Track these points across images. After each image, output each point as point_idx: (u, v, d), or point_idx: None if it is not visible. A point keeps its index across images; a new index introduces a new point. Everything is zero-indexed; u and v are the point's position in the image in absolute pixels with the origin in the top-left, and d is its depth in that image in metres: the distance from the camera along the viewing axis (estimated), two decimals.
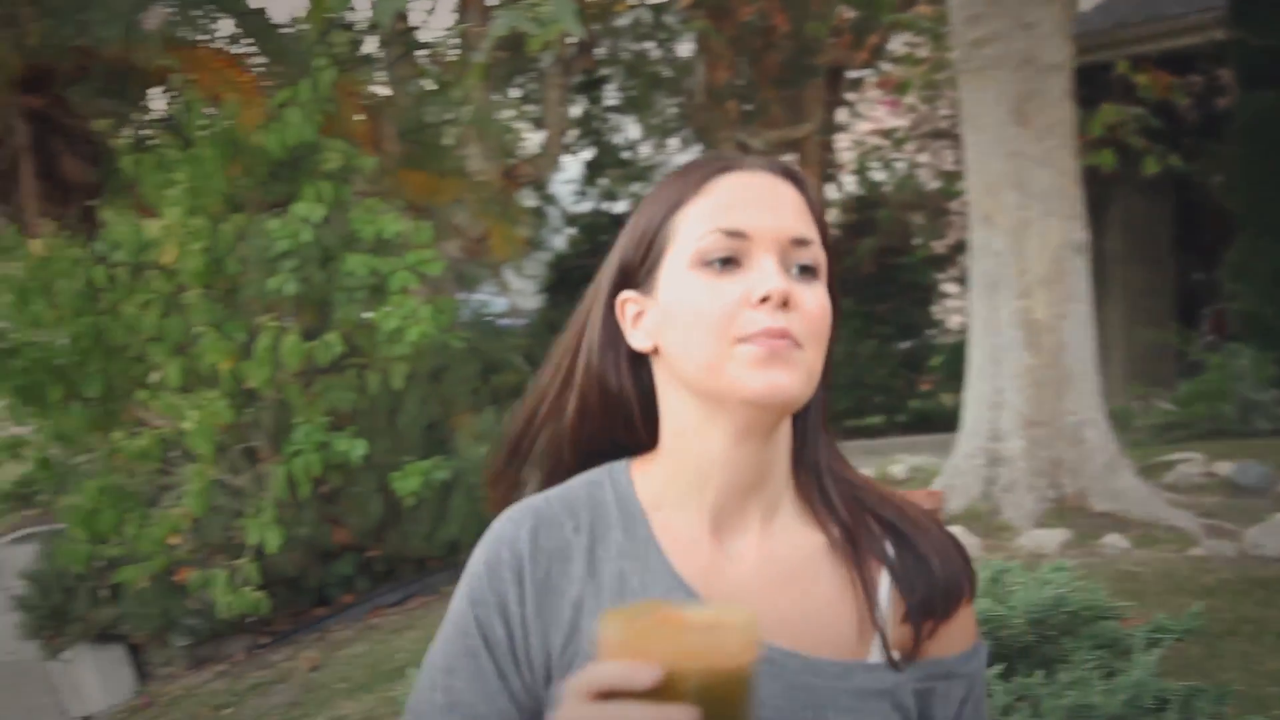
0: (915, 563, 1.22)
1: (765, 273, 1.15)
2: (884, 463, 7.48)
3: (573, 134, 14.86)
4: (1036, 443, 5.92)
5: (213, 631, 6.14)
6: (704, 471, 1.20)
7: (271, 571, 5.87)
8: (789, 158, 14.22)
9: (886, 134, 14.72)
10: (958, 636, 1.24)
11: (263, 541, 5.49)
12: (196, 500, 5.51)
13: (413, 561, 6.39)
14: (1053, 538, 5.41)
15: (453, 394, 6.83)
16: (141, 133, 10.79)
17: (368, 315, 5.99)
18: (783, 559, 1.21)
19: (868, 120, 15.36)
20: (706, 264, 1.16)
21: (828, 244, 1.22)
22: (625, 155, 15.79)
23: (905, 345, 14.19)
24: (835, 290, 1.23)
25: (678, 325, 1.18)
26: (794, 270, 1.17)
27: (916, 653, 1.21)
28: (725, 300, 1.15)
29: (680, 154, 15.90)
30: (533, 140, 15.28)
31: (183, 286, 5.85)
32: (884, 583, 1.22)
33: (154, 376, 5.82)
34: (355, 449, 5.69)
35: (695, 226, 1.18)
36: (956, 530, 5.57)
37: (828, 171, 14.77)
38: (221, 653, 6.19)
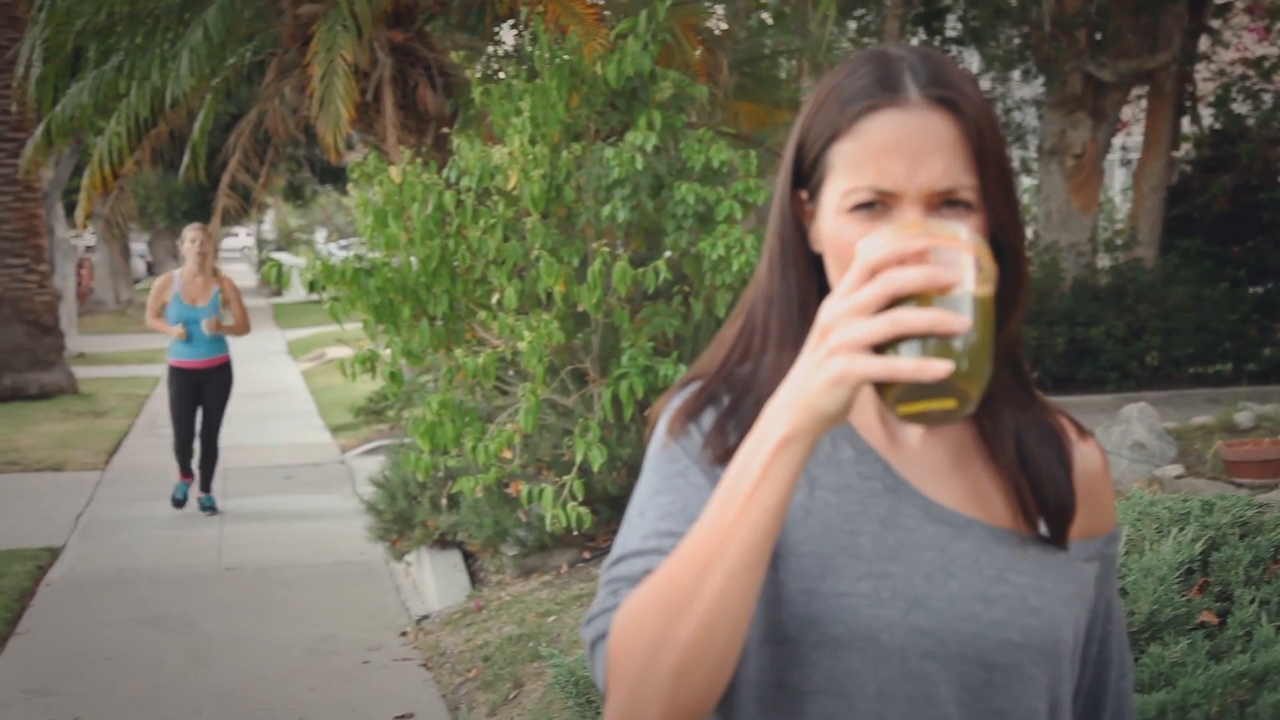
0: (1041, 468, 1.28)
1: None
2: (1226, 410, 7.06)
3: None
4: None
5: (540, 543, 6.45)
6: None
7: (595, 489, 6.10)
8: (1141, 90, 13.46)
9: (1254, 63, 13.70)
10: (1102, 522, 1.34)
11: (588, 459, 5.70)
12: (528, 417, 5.76)
13: None
14: None
15: None
16: (492, 65, 11.27)
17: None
18: (945, 444, 1.30)
19: (1233, 48, 14.33)
20: (855, 210, 1.20)
21: (991, 162, 1.20)
22: None
23: (1261, 289, 13.26)
24: (1010, 205, 1.22)
25: (832, 260, 1.23)
26: (944, 207, 1.19)
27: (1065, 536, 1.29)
28: None
29: (1022, 86, 15.30)
30: None
31: (524, 212, 6.10)
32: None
33: (494, 298, 6.11)
34: (678, 374, 5.82)
35: (846, 175, 1.21)
36: None
37: (1184, 104, 13.89)
38: (547, 564, 6.49)
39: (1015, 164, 15.84)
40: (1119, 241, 13.61)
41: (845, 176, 1.20)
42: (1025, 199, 15.73)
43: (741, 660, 1.21)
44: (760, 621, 1.21)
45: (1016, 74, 14.76)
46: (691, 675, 1.10)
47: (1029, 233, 14.24)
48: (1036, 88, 14.67)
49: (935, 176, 1.18)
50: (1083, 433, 1.36)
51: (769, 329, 1.30)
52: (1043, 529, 1.28)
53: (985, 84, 15.34)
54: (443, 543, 7.20)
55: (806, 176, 1.26)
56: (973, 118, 1.19)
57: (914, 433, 1.30)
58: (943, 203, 1.18)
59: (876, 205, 1.19)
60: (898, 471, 1.27)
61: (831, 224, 1.22)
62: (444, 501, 6.96)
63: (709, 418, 1.28)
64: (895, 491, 1.25)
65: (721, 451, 1.24)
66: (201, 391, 9.01)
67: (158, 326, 9.10)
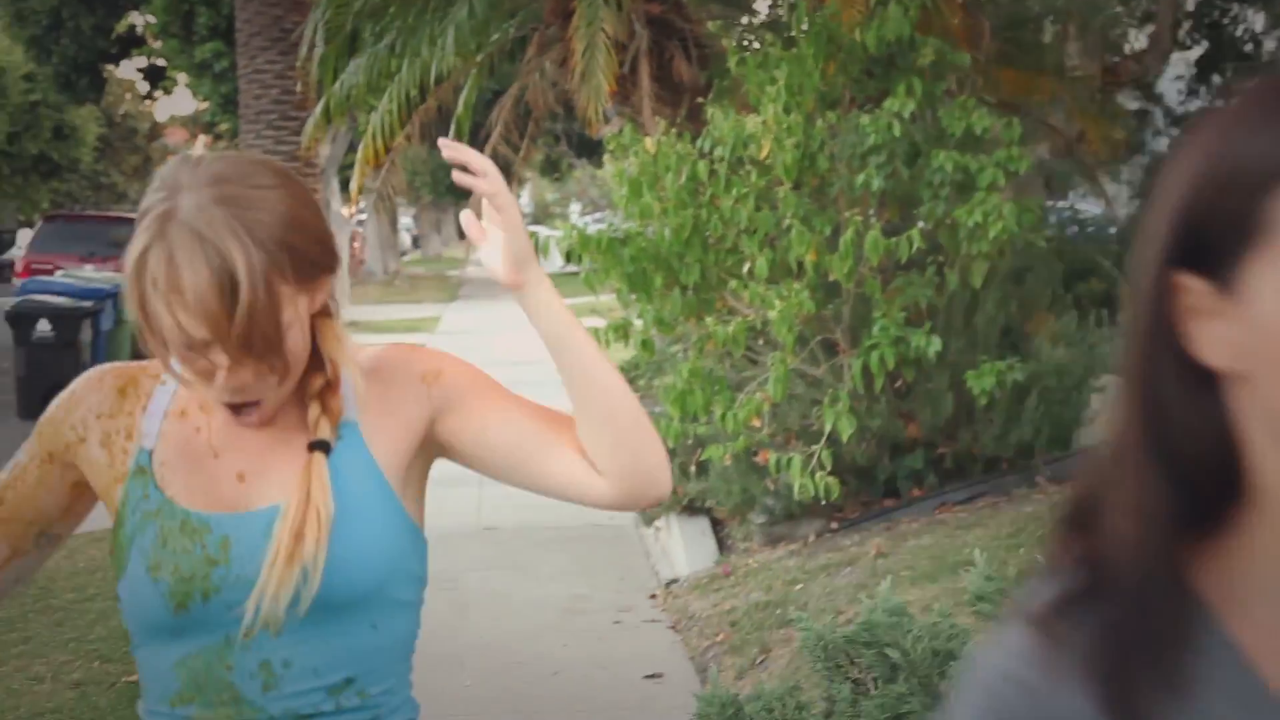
0: None
1: None
2: None
3: (1186, 26, 13.82)
4: None
5: (787, 512, 6.46)
6: None
7: (844, 460, 6.07)
8: None
9: None
10: None
11: (837, 430, 5.68)
12: (777, 386, 5.78)
13: (982, 460, 6.38)
14: None
15: (1033, 296, 6.69)
16: (747, 35, 11.27)
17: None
18: None
19: None
20: None
21: None
22: (1246, 49, 14.50)
23: None
24: None
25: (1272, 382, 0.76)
26: None
27: None
28: None
29: None
30: (1139, 35, 14.39)
31: (776, 181, 6.11)
32: None
33: (745, 267, 6.14)
34: (931, 345, 5.73)
35: None
36: None
37: None
38: (795, 533, 6.50)
39: None
40: None
41: None
42: None
43: None
44: None
45: None
46: None
47: None
48: None
49: None
50: None
51: (1114, 475, 0.82)
52: None
53: (1270, 44, 14.46)
54: (691, 509, 7.29)
55: (1207, 243, 0.78)
56: None
57: None
58: None
59: None
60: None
61: None
62: (693, 468, 7.05)
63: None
64: None
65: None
66: None
67: None
